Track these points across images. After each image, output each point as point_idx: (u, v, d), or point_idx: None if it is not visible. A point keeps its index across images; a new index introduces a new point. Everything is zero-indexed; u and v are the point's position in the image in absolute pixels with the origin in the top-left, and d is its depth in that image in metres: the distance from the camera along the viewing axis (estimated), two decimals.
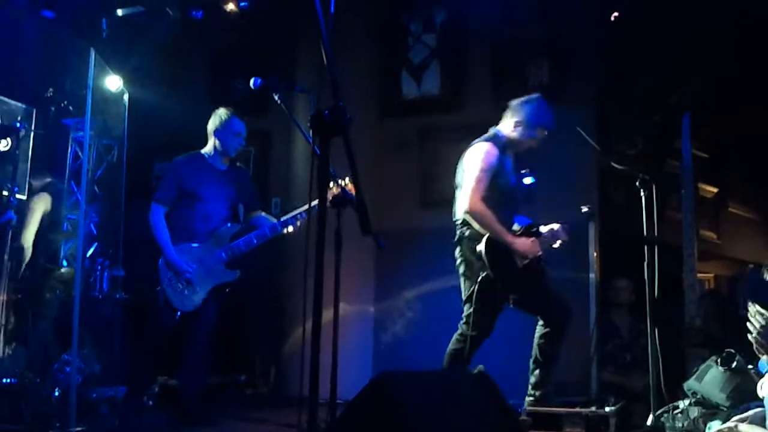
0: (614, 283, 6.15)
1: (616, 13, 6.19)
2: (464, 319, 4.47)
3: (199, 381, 4.90)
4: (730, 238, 8.70)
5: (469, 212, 4.32)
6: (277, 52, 7.21)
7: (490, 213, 4.33)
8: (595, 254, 6.07)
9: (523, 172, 4.80)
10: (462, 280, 4.49)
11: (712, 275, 8.69)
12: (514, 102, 4.63)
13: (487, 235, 4.31)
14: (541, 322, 4.52)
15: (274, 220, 4.85)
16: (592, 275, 5.98)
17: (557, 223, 4.57)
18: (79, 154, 6.87)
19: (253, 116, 7.35)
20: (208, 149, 4.96)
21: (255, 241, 4.77)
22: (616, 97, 6.39)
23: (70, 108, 6.74)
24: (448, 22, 7.01)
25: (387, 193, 6.58)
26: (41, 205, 5.32)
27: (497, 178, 4.42)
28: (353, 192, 3.08)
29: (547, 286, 4.52)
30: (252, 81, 3.96)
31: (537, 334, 4.52)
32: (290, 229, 4.74)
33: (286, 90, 4.04)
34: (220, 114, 4.92)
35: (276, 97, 3.88)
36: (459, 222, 4.50)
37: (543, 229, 4.53)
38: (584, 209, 4.80)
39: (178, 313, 4.68)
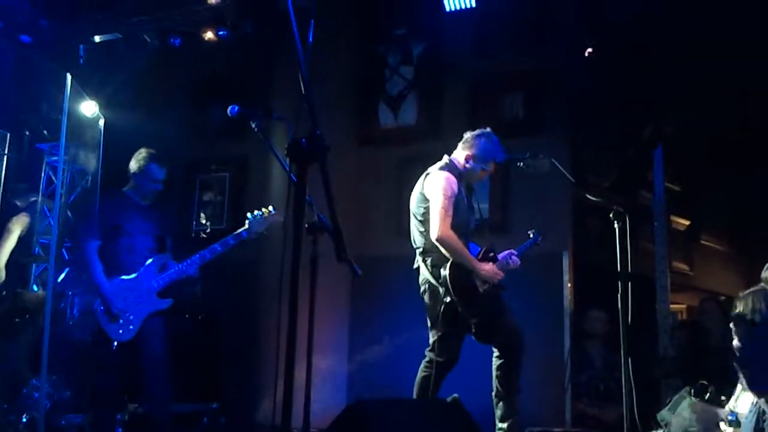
0: (589, 314, 6.18)
1: (590, 49, 6.30)
2: (431, 346, 4.50)
3: (164, 409, 4.90)
4: (703, 269, 8.79)
5: (440, 240, 4.37)
6: (255, 80, 7.23)
7: (459, 240, 4.41)
8: (569, 285, 6.12)
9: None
10: (426, 306, 4.53)
11: (684, 306, 8.78)
12: (468, 135, 4.75)
13: (450, 261, 4.37)
14: (496, 353, 4.55)
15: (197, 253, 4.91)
16: (566, 305, 6.02)
17: (508, 250, 4.71)
18: (53, 178, 6.82)
19: (230, 141, 7.42)
20: (129, 187, 5.05)
21: (188, 271, 4.85)
22: (590, 130, 6.48)
23: (45, 132, 6.70)
24: (426, 54, 7.09)
25: (364, 221, 6.59)
26: (18, 226, 5.27)
27: (457, 206, 4.50)
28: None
29: (505, 314, 4.57)
30: (229, 109, 3.96)
31: (493, 366, 4.55)
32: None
33: (263, 118, 4.04)
34: (140, 158, 5.01)
35: (253, 125, 3.88)
36: (420, 250, 4.56)
37: (499, 255, 4.65)
38: (530, 234, 4.88)
39: (114, 343, 4.69)
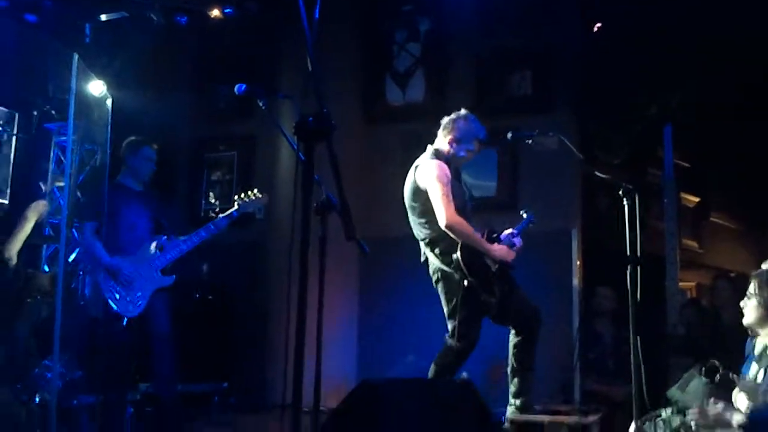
0: (597, 291, 6.17)
1: (599, 24, 6.24)
2: (450, 333, 4.45)
3: (170, 387, 5.01)
4: (712, 247, 8.76)
5: (450, 226, 4.35)
6: (261, 59, 7.21)
7: (467, 223, 4.40)
8: (578, 263, 6.11)
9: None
10: (442, 296, 4.50)
11: (693, 284, 8.75)
12: (446, 119, 4.73)
13: (459, 244, 4.35)
14: (512, 331, 4.56)
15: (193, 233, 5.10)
16: (575, 283, 6.01)
17: (509, 228, 4.73)
18: (62, 158, 6.82)
19: (236, 121, 7.41)
20: (122, 174, 5.26)
21: (184, 248, 5.05)
22: (599, 107, 6.43)
23: (53, 112, 6.69)
24: (432, 31, 7.04)
25: (372, 199, 6.58)
26: (35, 213, 5.29)
27: (453, 192, 4.48)
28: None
29: (517, 292, 4.58)
30: (236, 87, 3.94)
31: (510, 344, 4.57)
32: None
33: (270, 96, 4.04)
34: (131, 142, 5.26)
35: (260, 104, 3.87)
36: (426, 240, 4.53)
37: (507, 232, 4.66)
38: (523, 214, 4.86)
39: (125, 319, 4.82)
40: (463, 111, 4.75)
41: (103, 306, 4.82)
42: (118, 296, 4.84)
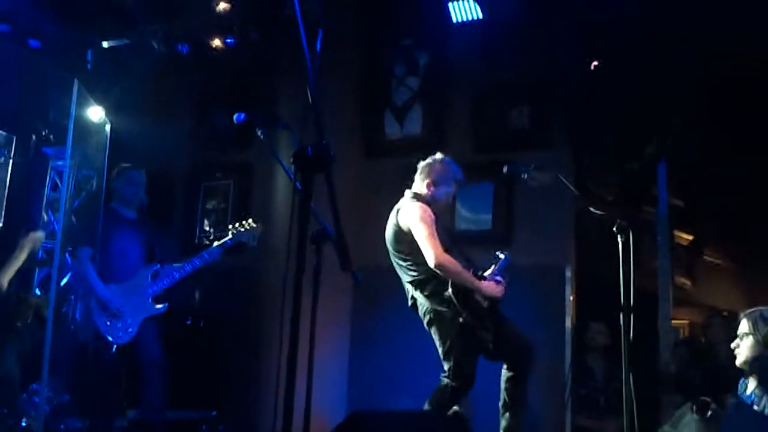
0: (590, 327, 6.17)
1: (595, 62, 6.31)
2: (446, 373, 4.42)
3: (159, 414, 5.03)
4: (705, 285, 8.77)
5: (440, 265, 4.33)
6: (261, 88, 7.25)
7: (455, 261, 4.39)
8: (571, 298, 6.11)
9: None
10: (436, 338, 4.47)
11: (686, 322, 8.75)
12: (422, 164, 4.78)
13: (450, 282, 4.34)
14: (505, 366, 4.53)
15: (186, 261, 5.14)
16: (567, 319, 6.01)
17: (492, 265, 4.72)
18: (58, 183, 6.83)
19: (235, 149, 7.43)
20: (114, 201, 5.35)
21: (176, 276, 5.09)
22: (594, 143, 6.48)
23: (51, 137, 6.72)
24: (432, 65, 7.10)
25: (367, 231, 6.59)
26: (31, 243, 5.27)
27: (438, 230, 4.49)
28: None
29: (510, 327, 4.56)
30: (236, 116, 3.98)
31: (503, 378, 4.54)
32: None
33: (269, 126, 4.07)
34: (118, 170, 5.36)
35: (259, 133, 3.90)
36: (414, 283, 4.52)
37: (486, 273, 4.64)
38: (500, 254, 4.84)
39: (114, 347, 4.85)
40: (438, 155, 4.79)
41: (93, 332, 4.83)
42: (108, 323, 4.86)
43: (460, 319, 4.32)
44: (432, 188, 4.67)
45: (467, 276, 4.41)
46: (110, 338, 4.84)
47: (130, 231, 5.21)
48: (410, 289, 4.57)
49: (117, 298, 4.91)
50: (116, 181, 5.30)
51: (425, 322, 4.52)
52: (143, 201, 5.40)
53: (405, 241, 4.51)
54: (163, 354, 5.03)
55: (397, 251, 4.59)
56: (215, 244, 5.17)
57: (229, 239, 5.13)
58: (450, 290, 4.32)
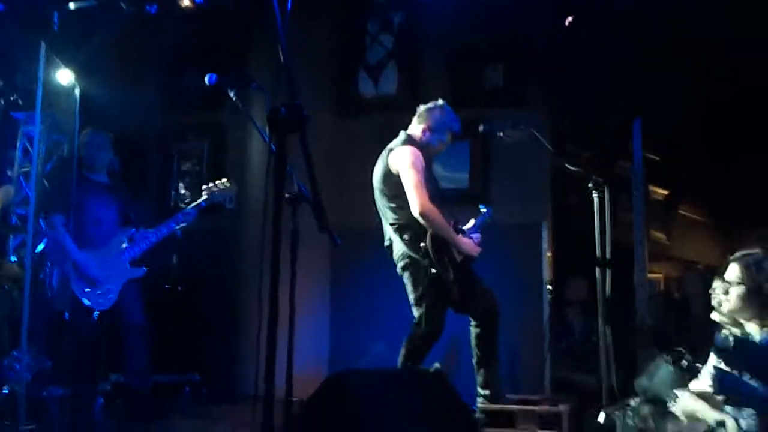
0: (568, 282, 6.23)
1: (570, 18, 6.27)
2: (416, 320, 4.50)
3: (142, 378, 4.99)
4: (680, 239, 8.88)
5: (423, 213, 4.35)
6: (232, 49, 7.15)
7: (439, 212, 4.40)
8: (548, 254, 6.16)
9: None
10: (408, 283, 4.53)
11: (662, 276, 8.87)
12: (421, 108, 4.77)
13: (430, 232, 4.35)
14: (473, 323, 4.58)
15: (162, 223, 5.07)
16: (545, 274, 6.07)
17: (472, 219, 4.77)
18: (29, 148, 6.72)
19: (206, 111, 7.34)
20: (84, 167, 5.22)
21: (153, 238, 5.01)
22: (570, 100, 6.48)
23: (20, 102, 6.58)
24: (406, 23, 7.03)
25: (344, 191, 6.57)
26: (1, 198, 5.23)
27: (426, 176, 4.51)
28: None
29: (477, 282, 4.61)
30: (207, 77, 3.91)
31: (472, 336, 4.59)
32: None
33: (241, 87, 4.01)
34: (83, 134, 5.26)
35: (231, 94, 3.85)
36: (396, 226, 4.54)
37: (466, 226, 4.69)
38: (482, 209, 4.87)
39: (95, 313, 4.80)
40: (440, 101, 4.78)
41: (72, 299, 4.77)
42: (87, 290, 4.80)
43: (433, 270, 4.35)
44: (427, 133, 4.67)
45: (448, 229, 4.44)
46: (90, 305, 4.78)
47: (102, 196, 5.13)
48: (389, 231, 4.59)
49: (94, 265, 4.84)
50: (83, 146, 5.21)
51: (399, 266, 4.57)
52: (114, 164, 5.31)
53: (392, 183, 4.52)
54: (145, 319, 4.99)
55: (382, 192, 4.59)
56: (190, 205, 5.10)
57: (204, 200, 5.07)
58: (428, 241, 4.34)
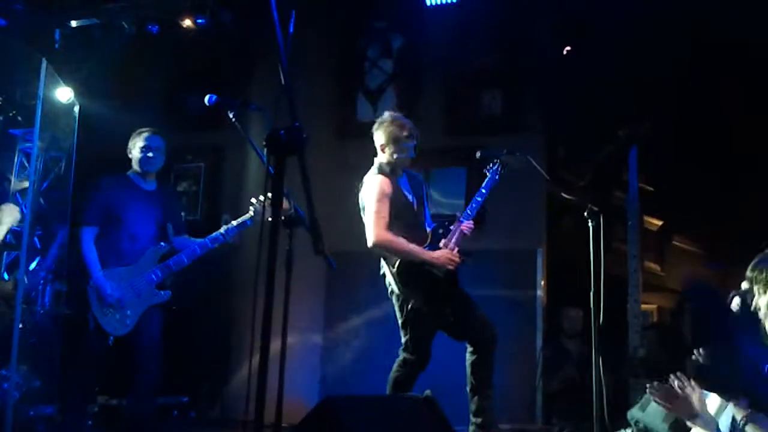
0: (562, 311, 6.22)
1: (568, 47, 6.32)
2: (403, 346, 4.50)
3: (149, 403, 4.74)
4: (674, 270, 8.88)
5: (376, 244, 4.35)
6: (233, 70, 7.19)
7: (398, 238, 4.37)
8: (542, 282, 6.16)
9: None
10: (396, 308, 4.52)
11: (655, 306, 8.85)
12: (373, 128, 4.66)
13: (397, 262, 4.35)
14: (469, 349, 4.53)
15: (197, 242, 4.75)
16: (539, 302, 6.06)
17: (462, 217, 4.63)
18: (26, 165, 6.73)
19: (206, 131, 7.36)
20: (131, 170, 4.85)
21: (186, 260, 4.68)
22: (566, 128, 6.52)
23: (19, 118, 6.61)
24: (405, 48, 7.08)
25: (339, 214, 6.58)
26: (8, 217, 5.02)
27: (396, 201, 4.47)
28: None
29: (473, 307, 4.52)
30: (207, 98, 3.92)
31: (467, 362, 4.54)
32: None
33: (241, 108, 4.02)
34: (134, 134, 4.84)
35: (231, 115, 3.85)
36: (383, 256, 4.52)
37: (451, 228, 4.57)
38: (486, 172, 4.75)
39: (111, 338, 4.51)
40: (386, 114, 4.67)
41: (89, 321, 4.47)
42: (107, 314, 4.48)
43: (409, 305, 4.36)
44: (386, 150, 4.57)
45: (411, 250, 4.36)
46: (108, 330, 4.47)
47: (143, 204, 4.74)
48: (383, 261, 4.57)
49: (116, 287, 4.49)
50: (136, 149, 4.77)
51: (388, 292, 4.55)
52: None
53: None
54: (162, 346, 4.65)
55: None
56: (234, 223, 4.67)
57: (249, 218, 4.63)
58: (395, 273, 4.31)
